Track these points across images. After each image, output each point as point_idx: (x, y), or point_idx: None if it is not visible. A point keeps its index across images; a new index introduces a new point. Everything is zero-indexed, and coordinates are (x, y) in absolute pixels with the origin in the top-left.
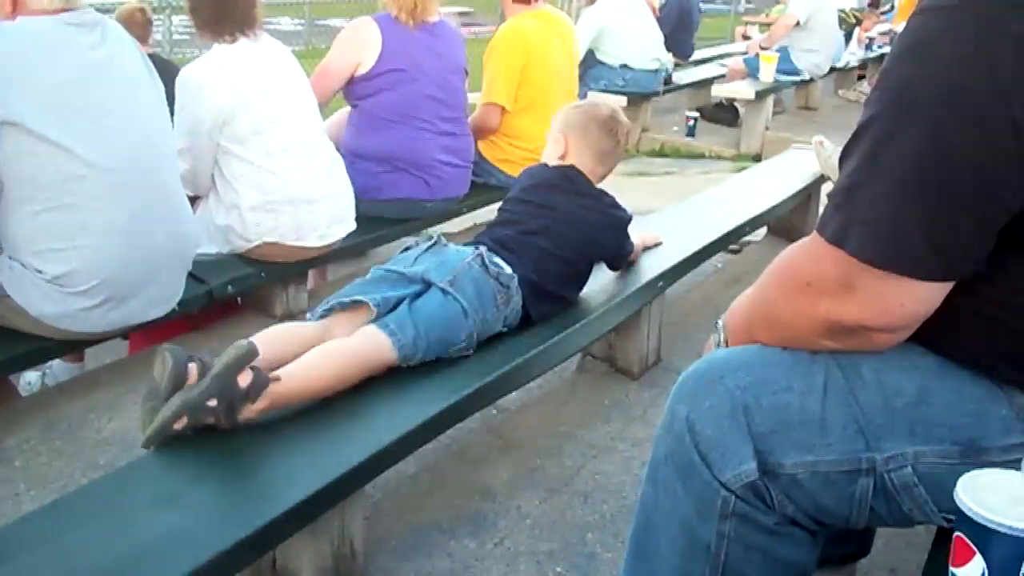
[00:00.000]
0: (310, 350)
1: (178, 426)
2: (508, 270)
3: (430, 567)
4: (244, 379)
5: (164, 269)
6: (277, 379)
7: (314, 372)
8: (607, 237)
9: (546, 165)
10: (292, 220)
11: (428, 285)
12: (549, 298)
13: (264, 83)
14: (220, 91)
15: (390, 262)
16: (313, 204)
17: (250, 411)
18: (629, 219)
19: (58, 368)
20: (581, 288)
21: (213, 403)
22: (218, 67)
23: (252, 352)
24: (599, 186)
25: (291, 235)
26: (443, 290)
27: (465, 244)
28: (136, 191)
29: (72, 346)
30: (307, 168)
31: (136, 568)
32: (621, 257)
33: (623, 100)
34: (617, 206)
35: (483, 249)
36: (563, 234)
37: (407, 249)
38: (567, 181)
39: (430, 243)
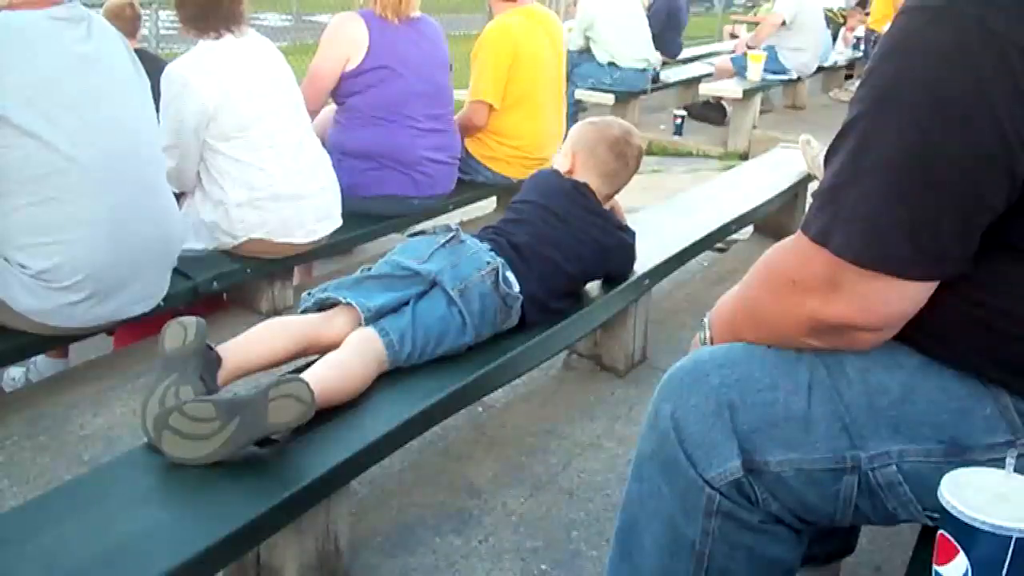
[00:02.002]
0: (317, 364)
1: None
2: (516, 290)
3: (415, 564)
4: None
5: (149, 265)
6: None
7: (328, 392)
8: (614, 258)
9: (558, 173)
10: (278, 216)
11: (434, 284)
12: (546, 311)
13: (250, 80)
14: (205, 88)
15: (400, 252)
16: (299, 200)
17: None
18: (633, 241)
19: (42, 363)
20: (573, 302)
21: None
22: (203, 64)
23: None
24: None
25: (278, 231)
26: (450, 299)
27: (480, 236)
28: (121, 186)
29: (56, 341)
30: (293, 164)
31: (120, 564)
32: (623, 277)
33: (610, 98)
34: (624, 228)
35: (500, 263)
36: (574, 249)
37: (421, 233)
38: (579, 195)
39: (448, 236)
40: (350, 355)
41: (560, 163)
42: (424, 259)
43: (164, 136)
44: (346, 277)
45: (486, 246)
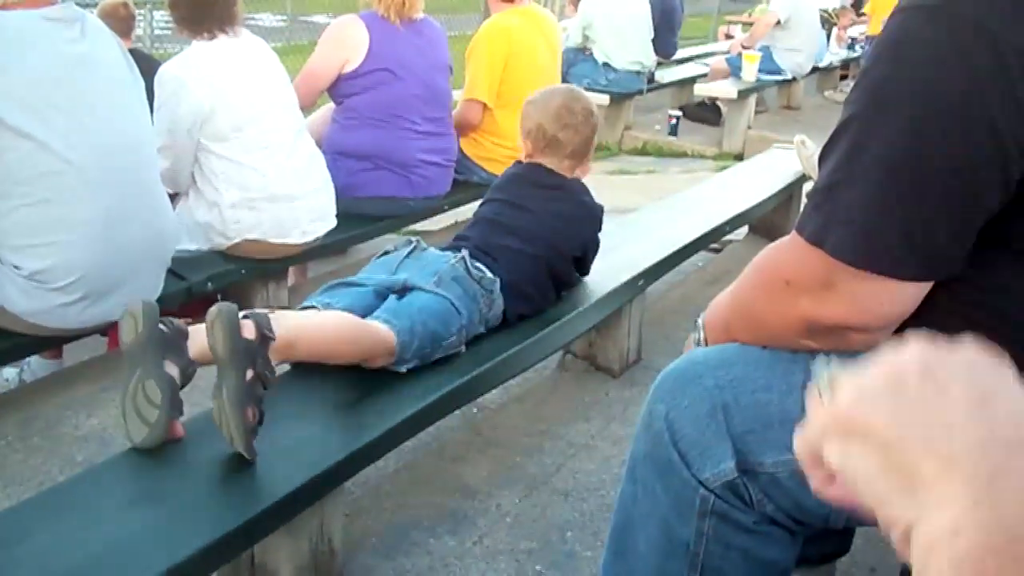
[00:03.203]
0: None
1: (253, 420)
2: (490, 274)
3: (409, 565)
4: (248, 330)
5: (143, 265)
6: (271, 310)
7: (328, 324)
8: (583, 225)
9: (515, 162)
10: (273, 217)
11: (407, 289)
12: (525, 298)
13: (244, 80)
14: (199, 89)
15: (369, 269)
16: (294, 201)
17: (277, 351)
18: (601, 209)
19: (36, 364)
20: (561, 290)
21: (251, 373)
22: (197, 64)
23: (233, 308)
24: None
25: (272, 232)
26: (428, 291)
27: (444, 247)
28: (115, 187)
29: (50, 342)
30: (288, 165)
31: (113, 565)
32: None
33: (606, 99)
34: (587, 193)
35: (465, 253)
36: (531, 231)
37: (386, 253)
38: (529, 176)
39: (410, 248)
40: (352, 316)
41: (522, 151)
42: (392, 271)
43: (158, 137)
44: (315, 292)
45: (449, 251)
